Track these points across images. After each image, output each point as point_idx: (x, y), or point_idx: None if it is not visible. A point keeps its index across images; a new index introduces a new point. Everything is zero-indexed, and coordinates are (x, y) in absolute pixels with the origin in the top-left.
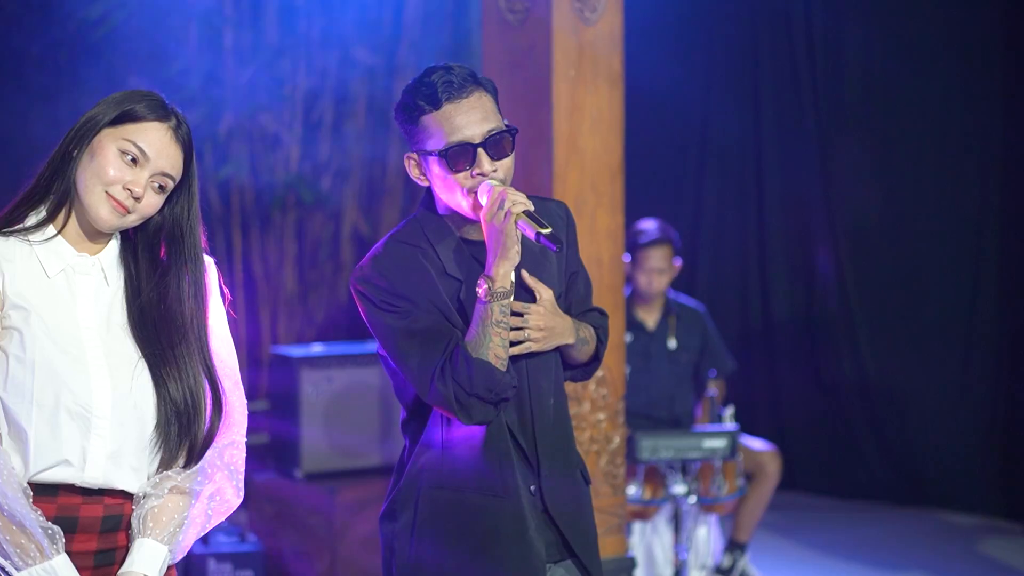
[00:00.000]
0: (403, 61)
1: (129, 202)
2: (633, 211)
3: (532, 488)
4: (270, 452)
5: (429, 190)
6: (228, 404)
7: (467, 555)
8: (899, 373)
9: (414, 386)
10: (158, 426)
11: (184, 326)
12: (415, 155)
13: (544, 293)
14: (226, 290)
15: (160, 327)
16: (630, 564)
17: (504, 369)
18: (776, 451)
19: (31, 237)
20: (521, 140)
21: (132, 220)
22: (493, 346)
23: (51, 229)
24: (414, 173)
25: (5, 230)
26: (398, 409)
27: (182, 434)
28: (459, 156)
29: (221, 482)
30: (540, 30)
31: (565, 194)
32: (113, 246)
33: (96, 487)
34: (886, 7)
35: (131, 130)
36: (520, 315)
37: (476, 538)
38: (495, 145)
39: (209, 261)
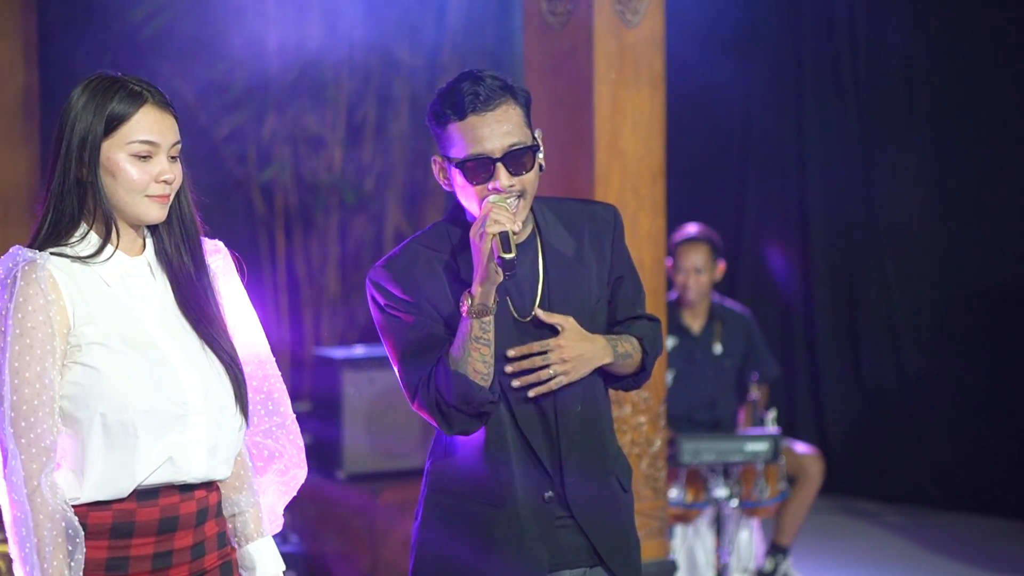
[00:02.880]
0: (446, 63)
1: (167, 189)
2: (674, 214)
3: (547, 495)
4: (312, 453)
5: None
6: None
7: (465, 562)
8: (943, 376)
9: (404, 391)
10: (238, 404)
11: (207, 293)
12: (440, 159)
13: (565, 324)
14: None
15: (196, 303)
16: (671, 567)
17: (484, 384)
18: (818, 454)
19: (90, 261)
20: (562, 143)
21: (171, 199)
22: (472, 361)
23: (109, 248)
24: (439, 177)
25: (50, 251)
26: None
27: (244, 401)
28: (478, 169)
29: (283, 460)
30: (581, 33)
31: (606, 197)
32: (149, 240)
33: (197, 482)
34: (929, 6)
35: (128, 131)
36: (543, 353)
37: (472, 545)
38: (515, 160)
39: (219, 244)
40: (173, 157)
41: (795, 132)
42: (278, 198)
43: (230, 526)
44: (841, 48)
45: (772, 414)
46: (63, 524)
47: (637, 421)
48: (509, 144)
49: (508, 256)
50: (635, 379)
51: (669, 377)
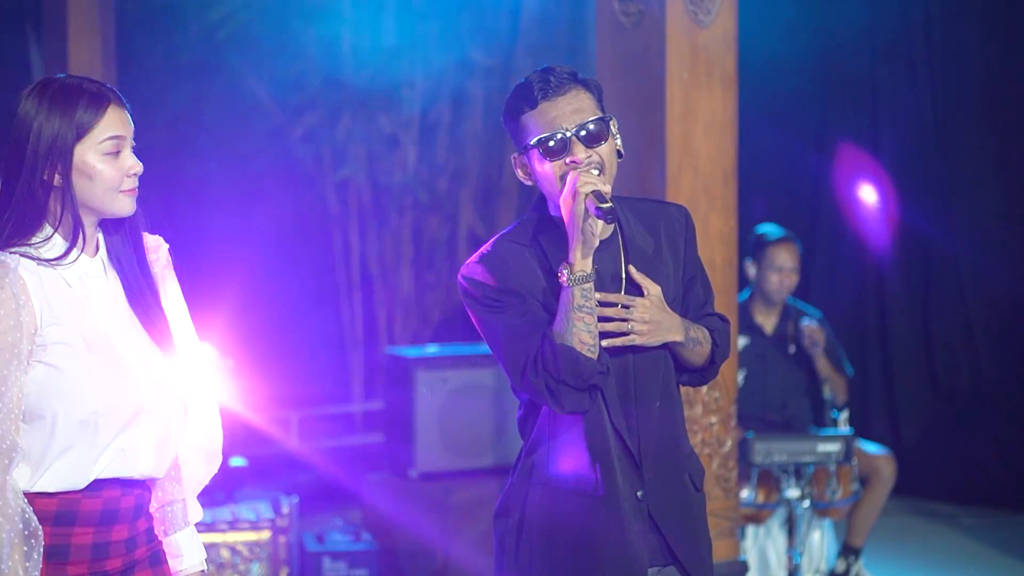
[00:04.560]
0: (519, 63)
1: (135, 182)
2: (747, 215)
3: (639, 493)
4: (384, 452)
5: (541, 194)
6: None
7: (569, 554)
8: (1017, 376)
9: (510, 377)
10: (181, 402)
11: (153, 289)
12: (518, 154)
13: (652, 288)
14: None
15: (144, 301)
16: (742, 568)
17: (592, 355)
18: (890, 455)
19: (56, 264)
20: (634, 143)
21: (136, 191)
22: (577, 331)
23: (75, 252)
24: (520, 173)
25: (18, 251)
26: (512, 410)
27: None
28: (553, 145)
29: (201, 457)
30: (654, 32)
31: (678, 197)
32: (102, 238)
33: (141, 479)
34: (1007, 10)
35: (97, 133)
36: (627, 307)
37: (575, 538)
38: (588, 134)
39: (160, 240)
40: (134, 149)
41: (870, 133)
42: (352, 197)
43: (158, 515)
44: (917, 50)
45: (844, 414)
46: (20, 525)
47: (708, 421)
48: (581, 119)
49: (606, 205)
50: (703, 373)
51: (740, 377)
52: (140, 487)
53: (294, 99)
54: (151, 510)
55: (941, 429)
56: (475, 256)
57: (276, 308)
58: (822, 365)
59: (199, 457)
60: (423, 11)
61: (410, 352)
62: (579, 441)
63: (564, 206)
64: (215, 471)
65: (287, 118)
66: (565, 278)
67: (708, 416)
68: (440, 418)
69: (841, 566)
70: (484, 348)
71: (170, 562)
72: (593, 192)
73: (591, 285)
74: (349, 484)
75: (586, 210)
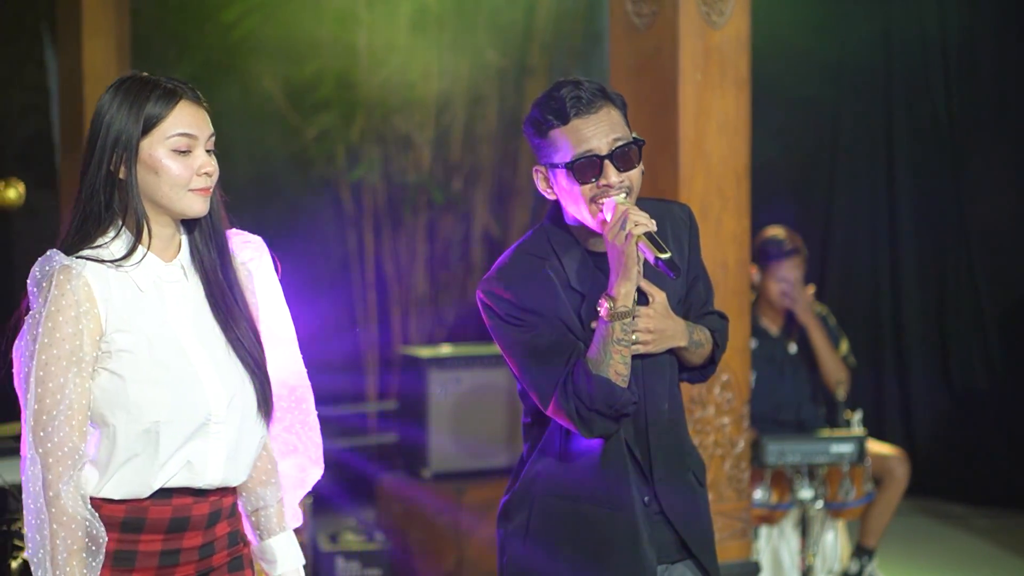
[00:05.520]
0: (534, 63)
1: (208, 182)
2: (760, 216)
3: (646, 499)
4: (398, 452)
5: (557, 201)
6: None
7: (579, 563)
8: None
9: (536, 398)
10: (261, 411)
11: (234, 289)
12: (543, 168)
13: (657, 296)
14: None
15: (224, 302)
16: (754, 568)
17: (625, 385)
18: (903, 455)
19: (122, 263)
20: (647, 144)
21: (211, 192)
22: (614, 363)
23: (140, 251)
24: (542, 186)
25: (85, 255)
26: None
27: (267, 406)
28: (585, 168)
29: (301, 455)
30: (667, 33)
31: (691, 198)
32: (185, 241)
33: (212, 488)
34: (1021, 14)
35: (166, 127)
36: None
37: (588, 548)
38: (621, 157)
39: (252, 236)
40: (209, 150)
41: (884, 136)
42: (367, 197)
43: (252, 519)
44: (932, 51)
45: (858, 415)
46: (80, 533)
47: (720, 422)
48: (614, 140)
49: (666, 255)
50: (702, 371)
51: (751, 379)
52: (216, 494)
53: (308, 99)
54: (245, 512)
55: (955, 430)
56: (494, 271)
57: (290, 309)
58: (817, 338)
59: (292, 460)
60: (437, 12)
61: (424, 352)
62: (594, 455)
63: (611, 239)
64: (317, 476)
65: (301, 118)
66: (606, 311)
67: (721, 417)
68: (453, 418)
69: (854, 567)
70: (497, 349)
71: (265, 567)
72: (648, 236)
73: (631, 320)
74: (363, 484)
75: (638, 252)
